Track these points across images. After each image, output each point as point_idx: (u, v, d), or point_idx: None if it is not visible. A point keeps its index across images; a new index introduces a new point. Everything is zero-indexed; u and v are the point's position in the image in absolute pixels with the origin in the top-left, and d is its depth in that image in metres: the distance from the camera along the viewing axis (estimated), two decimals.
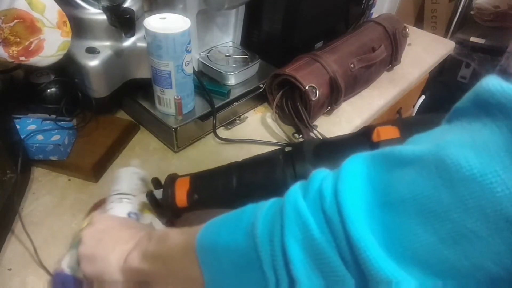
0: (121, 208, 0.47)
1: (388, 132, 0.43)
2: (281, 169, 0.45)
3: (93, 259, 0.39)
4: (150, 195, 0.49)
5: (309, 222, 0.25)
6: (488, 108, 0.22)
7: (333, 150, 0.46)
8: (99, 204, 0.53)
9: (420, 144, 0.25)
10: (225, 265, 0.30)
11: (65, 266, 0.45)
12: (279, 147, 0.50)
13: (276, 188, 0.44)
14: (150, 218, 0.50)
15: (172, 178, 0.50)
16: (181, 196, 0.47)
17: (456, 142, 0.22)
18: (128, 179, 0.51)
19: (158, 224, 0.49)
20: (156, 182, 0.52)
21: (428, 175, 0.22)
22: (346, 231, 0.23)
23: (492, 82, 0.22)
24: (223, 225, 0.32)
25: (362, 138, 0.45)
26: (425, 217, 0.22)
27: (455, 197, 0.21)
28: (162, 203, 0.48)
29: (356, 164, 0.27)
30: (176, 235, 0.36)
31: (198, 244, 0.32)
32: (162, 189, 0.49)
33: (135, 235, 0.40)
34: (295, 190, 0.29)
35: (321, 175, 0.29)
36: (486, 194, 0.20)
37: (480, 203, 0.20)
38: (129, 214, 0.46)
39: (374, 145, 0.42)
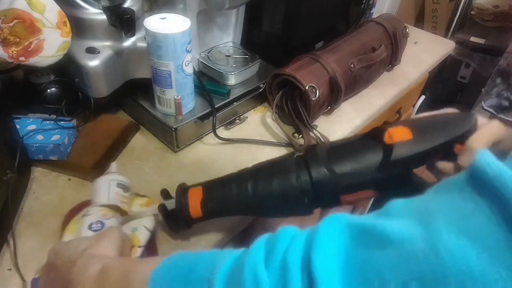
0: (84, 223, 0.46)
1: (401, 133, 0.41)
2: (295, 175, 0.44)
3: None
4: (161, 206, 0.48)
5: None
6: (482, 188, 0.20)
7: (347, 152, 0.45)
8: (76, 209, 0.52)
9: (404, 217, 0.23)
10: None
11: None
12: (288, 152, 0.49)
13: (293, 194, 0.44)
14: (134, 223, 0.49)
15: (184, 189, 0.49)
16: (195, 206, 0.47)
17: (450, 227, 0.20)
18: (96, 191, 0.50)
19: (142, 232, 0.48)
20: (165, 194, 0.52)
21: (416, 263, 0.20)
22: None
23: (485, 161, 0.21)
24: (175, 277, 0.30)
25: (374, 141, 0.43)
26: None
27: None
28: (174, 214, 0.48)
29: (333, 234, 0.25)
30: (116, 275, 0.33)
31: None
32: (173, 200, 0.48)
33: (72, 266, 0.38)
34: (258, 250, 0.27)
35: (289, 235, 0.26)
36: None
37: None
38: (90, 227, 0.45)
39: (387, 148, 0.41)
